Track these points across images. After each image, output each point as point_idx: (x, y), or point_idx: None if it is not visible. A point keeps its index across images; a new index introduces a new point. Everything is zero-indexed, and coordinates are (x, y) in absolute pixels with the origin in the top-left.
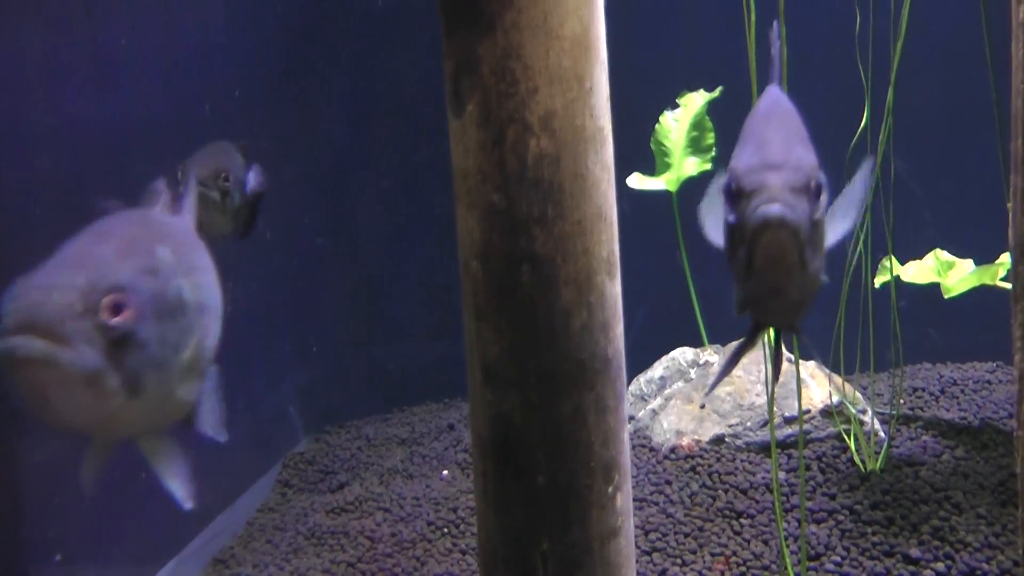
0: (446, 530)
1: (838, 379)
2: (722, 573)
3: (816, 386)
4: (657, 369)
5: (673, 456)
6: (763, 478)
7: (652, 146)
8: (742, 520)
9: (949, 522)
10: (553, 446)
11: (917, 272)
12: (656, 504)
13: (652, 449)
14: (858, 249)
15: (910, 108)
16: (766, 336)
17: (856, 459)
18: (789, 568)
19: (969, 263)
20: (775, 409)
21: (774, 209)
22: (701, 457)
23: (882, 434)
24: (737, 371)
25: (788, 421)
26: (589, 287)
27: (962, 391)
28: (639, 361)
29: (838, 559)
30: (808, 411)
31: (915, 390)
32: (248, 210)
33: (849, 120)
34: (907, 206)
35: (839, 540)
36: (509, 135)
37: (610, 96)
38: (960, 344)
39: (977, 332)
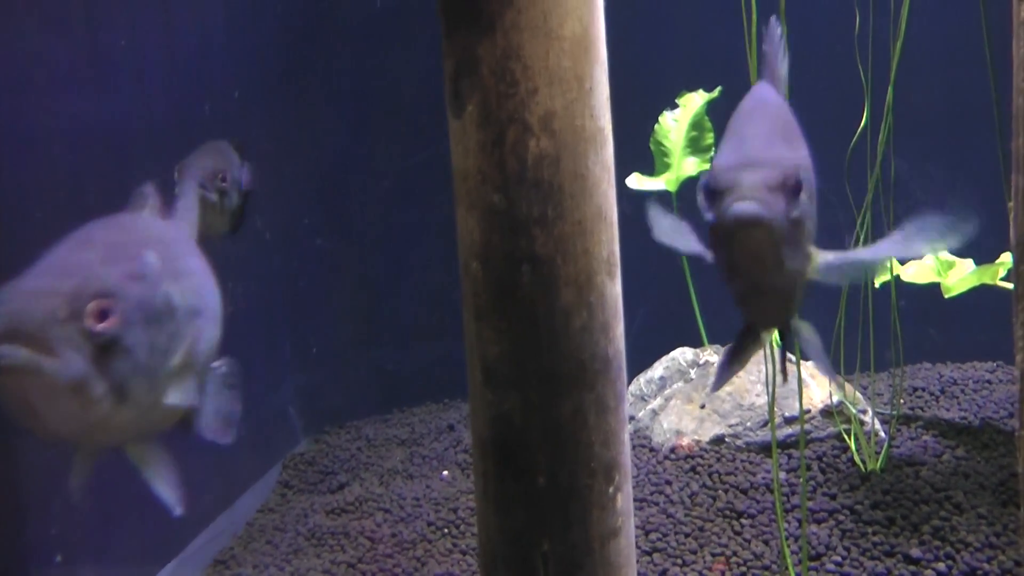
0: (446, 530)
1: (838, 377)
2: (722, 573)
3: (816, 386)
4: (657, 369)
5: (673, 456)
6: (763, 478)
7: (651, 146)
8: (742, 520)
9: (950, 522)
10: (553, 446)
11: (917, 272)
12: (656, 504)
13: (652, 449)
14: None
15: (910, 107)
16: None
17: (856, 459)
18: (790, 568)
19: (969, 263)
20: (775, 409)
21: (747, 207)
22: (701, 457)
23: (882, 434)
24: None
25: (788, 421)
26: (589, 287)
27: (962, 391)
28: (639, 361)
29: (839, 559)
30: (808, 411)
31: (915, 390)
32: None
33: (849, 120)
34: (907, 205)
35: (840, 540)
36: (509, 136)
37: (610, 96)
38: (960, 344)
39: (977, 332)
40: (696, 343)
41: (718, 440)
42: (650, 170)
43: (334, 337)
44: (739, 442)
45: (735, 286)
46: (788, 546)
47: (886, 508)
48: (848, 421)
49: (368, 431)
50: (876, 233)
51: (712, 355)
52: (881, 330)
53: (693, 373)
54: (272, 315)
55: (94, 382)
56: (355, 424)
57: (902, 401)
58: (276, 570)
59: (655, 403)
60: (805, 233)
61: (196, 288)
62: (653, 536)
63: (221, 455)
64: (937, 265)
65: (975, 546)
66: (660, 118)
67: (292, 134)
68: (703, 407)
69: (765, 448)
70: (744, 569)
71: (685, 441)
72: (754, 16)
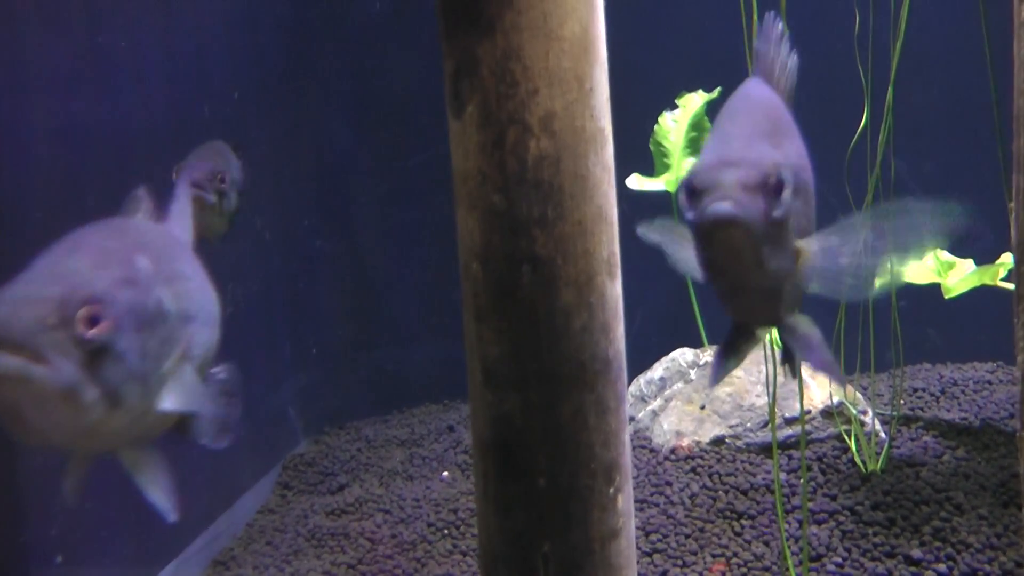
0: (446, 531)
1: (841, 375)
2: (722, 574)
3: (816, 387)
4: (657, 370)
5: (673, 457)
6: (763, 479)
7: (651, 147)
8: (743, 521)
9: (950, 523)
10: (554, 447)
11: (917, 272)
12: (657, 505)
13: (652, 450)
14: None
15: (910, 108)
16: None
17: (857, 460)
18: (791, 569)
19: (969, 263)
20: (775, 410)
21: (723, 207)
22: (701, 458)
23: (883, 435)
24: (737, 372)
25: (788, 422)
26: (589, 288)
27: (963, 391)
28: (639, 362)
29: (839, 560)
30: (808, 412)
31: (915, 390)
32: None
33: (849, 120)
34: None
35: (840, 541)
36: (509, 136)
37: (609, 97)
38: (960, 344)
39: (977, 332)
40: (696, 344)
41: (718, 441)
42: (650, 171)
43: (334, 338)
44: (739, 443)
45: (717, 286)
46: (788, 547)
47: (887, 509)
48: (848, 422)
49: (368, 432)
50: (876, 234)
51: (712, 356)
52: (881, 331)
53: (693, 374)
54: (272, 316)
55: (85, 389)
56: (355, 425)
57: (902, 402)
58: (276, 571)
59: (655, 404)
60: (789, 232)
61: (190, 292)
62: (653, 537)
63: (221, 456)
64: (937, 265)
65: (976, 547)
66: (660, 119)
67: (292, 135)
68: (703, 408)
69: (765, 449)
70: (745, 570)
71: (685, 442)
72: (754, 17)
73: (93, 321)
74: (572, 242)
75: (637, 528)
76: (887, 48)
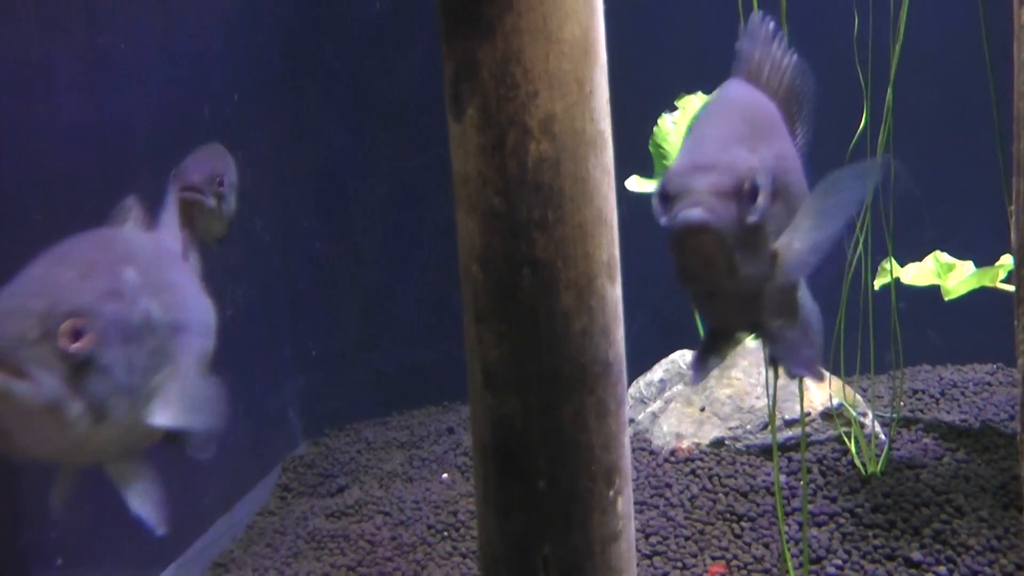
0: (446, 534)
1: (837, 381)
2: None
3: (817, 389)
4: (657, 372)
5: (673, 459)
6: (763, 481)
7: (651, 149)
8: (743, 523)
9: (951, 525)
10: (554, 450)
11: (917, 274)
12: (656, 507)
13: (652, 452)
14: (858, 251)
15: (909, 109)
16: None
17: (857, 462)
18: (791, 571)
19: (969, 265)
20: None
21: (694, 214)
22: (701, 460)
23: (883, 436)
24: (737, 374)
25: (788, 424)
26: (590, 291)
27: (962, 393)
28: (639, 364)
29: (839, 562)
30: (808, 414)
31: (915, 392)
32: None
33: (849, 121)
34: (907, 208)
35: (840, 543)
36: (509, 139)
37: (609, 99)
38: (960, 346)
39: (977, 334)
40: (696, 346)
41: (718, 443)
42: (650, 173)
43: (334, 340)
44: (739, 445)
45: (691, 292)
46: (789, 549)
47: (887, 511)
48: (848, 424)
49: (368, 434)
50: (876, 236)
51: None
52: (881, 332)
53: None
54: (272, 318)
55: (69, 403)
56: (354, 427)
57: (902, 403)
58: (276, 573)
59: (655, 406)
60: (766, 238)
61: (180, 302)
62: (653, 539)
63: (220, 458)
64: (937, 267)
65: (976, 549)
66: (659, 120)
67: (291, 137)
68: (703, 410)
69: (765, 451)
70: (745, 573)
71: (685, 444)
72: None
73: (77, 335)
74: (572, 245)
75: (637, 530)
76: (887, 49)
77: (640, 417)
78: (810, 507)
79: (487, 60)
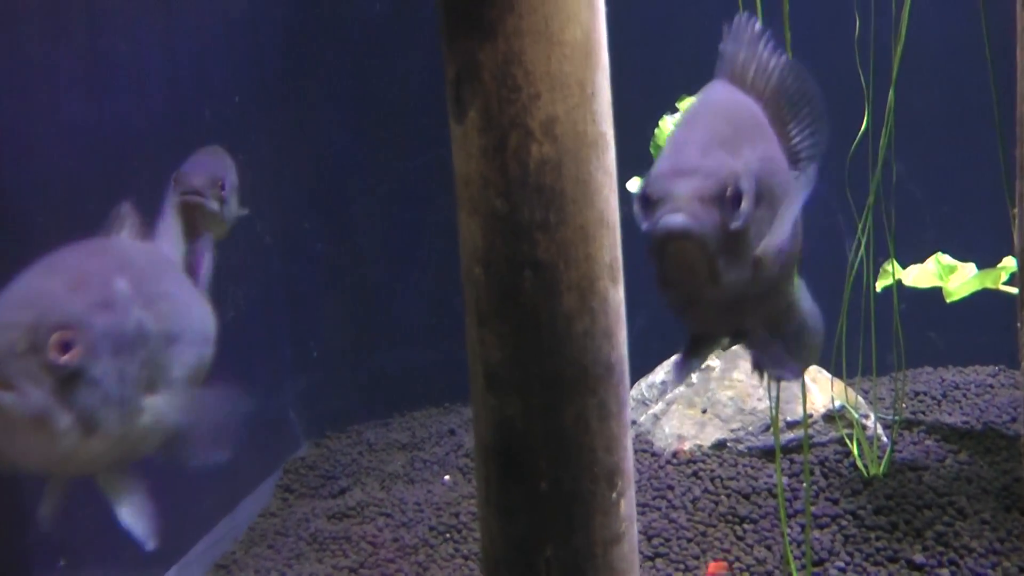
0: (448, 535)
1: (839, 383)
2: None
3: (818, 391)
4: (659, 373)
5: (675, 461)
6: (765, 483)
7: (652, 150)
8: (745, 525)
9: (953, 527)
10: (556, 452)
11: (918, 276)
12: (658, 509)
13: (654, 454)
14: (860, 253)
15: (911, 111)
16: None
17: (859, 464)
18: (793, 573)
19: (971, 267)
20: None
21: (676, 220)
22: (703, 462)
23: (884, 438)
24: (739, 376)
25: (790, 426)
26: (592, 293)
27: (964, 395)
28: (641, 365)
29: (842, 564)
30: (810, 416)
31: (917, 394)
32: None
33: (850, 123)
34: (908, 210)
35: (842, 545)
36: (511, 141)
37: (611, 101)
38: (961, 348)
39: (978, 336)
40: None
41: (720, 445)
42: None
43: (335, 341)
44: (741, 447)
45: (672, 299)
46: (791, 551)
47: (889, 513)
48: (850, 425)
49: (369, 435)
50: (877, 237)
51: (714, 359)
52: (883, 334)
53: (695, 377)
54: (273, 319)
55: (58, 415)
56: (356, 428)
57: (904, 405)
58: (277, 575)
59: (657, 408)
60: (749, 243)
61: (174, 312)
62: (655, 541)
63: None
64: (939, 269)
65: (979, 552)
66: (660, 122)
67: (292, 138)
68: (705, 412)
69: (767, 453)
70: (747, 575)
71: (687, 446)
72: (759, 20)
73: (65, 347)
74: (574, 247)
75: (639, 532)
76: (888, 51)
77: (642, 419)
78: (812, 509)
79: (489, 62)
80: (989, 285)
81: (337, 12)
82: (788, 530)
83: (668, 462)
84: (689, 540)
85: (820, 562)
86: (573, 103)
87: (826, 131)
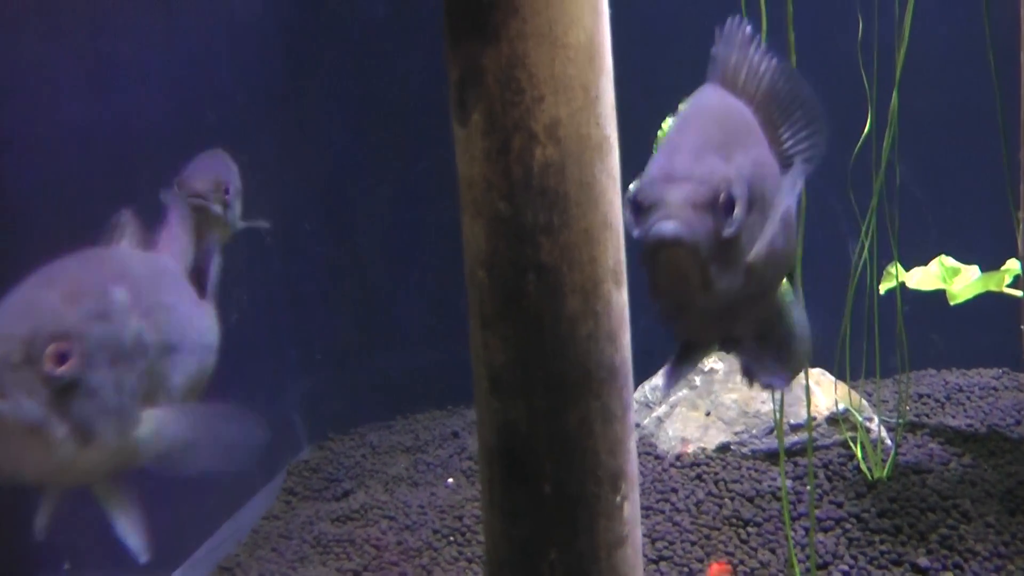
0: (452, 538)
1: (843, 386)
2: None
3: (822, 393)
4: (662, 376)
5: (679, 464)
6: (769, 486)
7: (654, 153)
8: (749, 528)
9: (957, 531)
10: (560, 455)
11: (922, 278)
12: (662, 512)
13: (658, 457)
14: (863, 256)
15: (914, 113)
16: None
17: (863, 467)
18: None
19: (974, 269)
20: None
21: (668, 227)
22: (707, 465)
23: (888, 441)
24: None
25: (794, 428)
26: (595, 296)
27: (968, 398)
28: (644, 368)
29: (846, 568)
30: (814, 418)
31: (921, 397)
32: None
33: (853, 125)
34: (911, 212)
35: (846, 549)
36: (515, 144)
37: (615, 104)
38: (965, 350)
39: (982, 338)
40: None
41: (724, 448)
42: None
43: (338, 343)
44: (745, 449)
45: (663, 305)
46: (795, 554)
47: (893, 516)
48: (854, 428)
49: (372, 438)
50: (881, 239)
51: (717, 362)
52: (886, 336)
53: (698, 380)
54: (276, 321)
55: (53, 426)
56: (359, 431)
57: (908, 408)
58: None
59: (660, 410)
60: (741, 250)
61: (174, 322)
62: (659, 544)
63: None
64: (942, 272)
65: (983, 555)
66: (663, 124)
67: (296, 140)
68: (708, 414)
69: (771, 456)
70: None
71: (690, 448)
72: (764, 23)
73: (61, 358)
74: (578, 249)
75: (643, 535)
76: (891, 53)
77: (645, 422)
78: (816, 512)
79: (492, 65)
80: (993, 288)
81: (339, 13)
82: (792, 533)
83: (672, 465)
84: (693, 543)
85: (824, 565)
86: (577, 106)
87: (824, 133)
